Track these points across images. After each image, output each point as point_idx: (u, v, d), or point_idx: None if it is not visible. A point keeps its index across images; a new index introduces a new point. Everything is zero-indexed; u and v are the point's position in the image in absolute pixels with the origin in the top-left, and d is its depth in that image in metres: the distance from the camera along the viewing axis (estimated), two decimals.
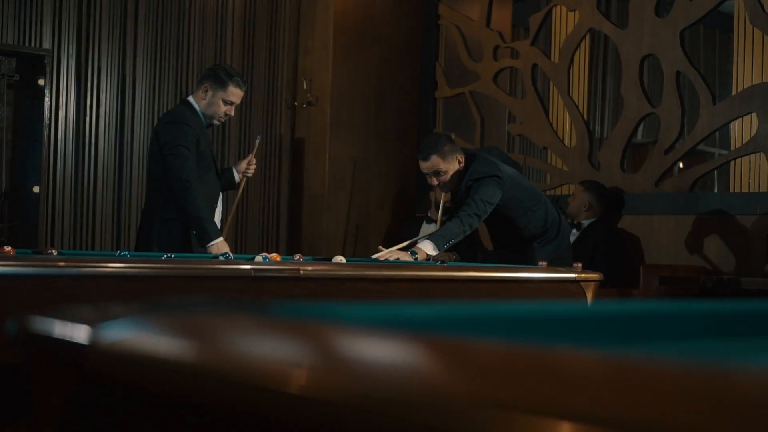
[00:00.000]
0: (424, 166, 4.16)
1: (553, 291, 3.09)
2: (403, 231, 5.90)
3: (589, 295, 3.18)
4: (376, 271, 2.66)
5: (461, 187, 4.15)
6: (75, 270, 2.16)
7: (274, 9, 6.35)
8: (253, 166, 4.60)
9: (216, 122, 4.23)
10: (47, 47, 5.35)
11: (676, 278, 4.87)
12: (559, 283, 3.11)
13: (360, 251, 6.26)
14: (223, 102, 4.13)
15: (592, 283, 3.19)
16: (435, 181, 4.16)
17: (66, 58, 5.45)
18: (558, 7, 5.99)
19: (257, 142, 5.04)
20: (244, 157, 4.79)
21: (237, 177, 4.55)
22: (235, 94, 4.15)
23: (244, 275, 2.42)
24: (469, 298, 2.83)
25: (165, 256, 2.61)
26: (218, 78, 4.15)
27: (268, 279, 2.46)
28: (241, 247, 6.08)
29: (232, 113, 4.23)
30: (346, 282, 2.58)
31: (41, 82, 5.27)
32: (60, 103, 5.42)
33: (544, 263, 3.33)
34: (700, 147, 5.69)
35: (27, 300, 2.06)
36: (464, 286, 2.85)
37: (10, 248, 3.01)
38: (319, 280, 2.54)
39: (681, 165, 5.69)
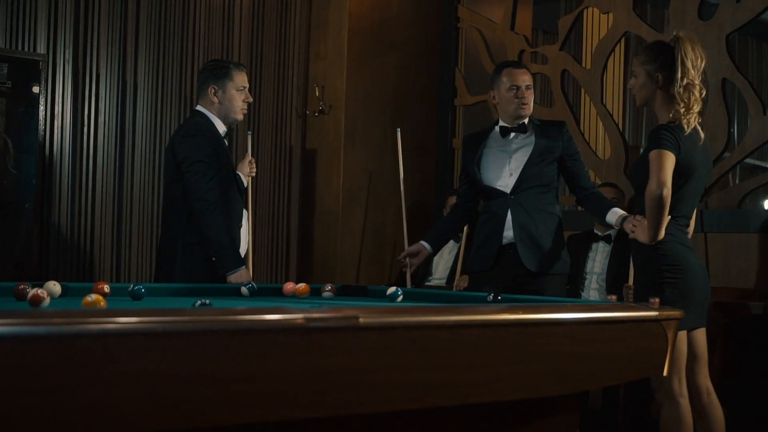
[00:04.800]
0: (524, 77, 3.98)
1: (632, 332, 2.70)
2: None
3: (670, 336, 2.80)
4: (444, 317, 2.26)
5: (557, 131, 3.99)
6: (90, 328, 1.76)
7: (284, 12, 5.95)
8: (254, 164, 4.49)
9: (240, 117, 3.99)
10: (42, 52, 4.93)
11: (726, 304, 4.48)
12: (639, 323, 2.71)
13: (376, 272, 5.87)
14: (237, 91, 3.91)
15: (674, 321, 2.81)
16: (525, 94, 3.95)
17: (62, 63, 5.03)
18: (589, 9, 5.61)
19: (248, 138, 4.87)
20: (241, 159, 4.56)
21: (245, 181, 4.35)
22: (242, 77, 3.96)
23: (295, 327, 2.02)
24: (543, 344, 2.44)
25: (198, 302, 2.21)
26: (218, 73, 3.89)
27: (323, 330, 2.06)
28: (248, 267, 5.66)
29: (250, 99, 4.05)
30: (411, 330, 2.18)
31: (35, 89, 4.84)
32: (56, 111, 5.00)
33: (656, 300, 2.89)
34: (750, 160, 5.32)
35: (27, 372, 1.65)
36: (539, 330, 2.45)
37: (34, 289, 2.46)
38: (381, 329, 2.13)
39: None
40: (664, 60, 3.30)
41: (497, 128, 4.04)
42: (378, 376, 2.09)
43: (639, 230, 3.33)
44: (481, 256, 3.96)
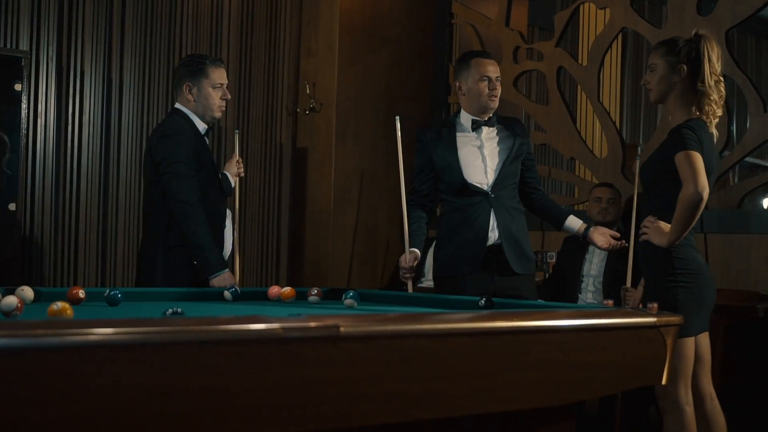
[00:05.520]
0: (494, 68, 3.84)
1: (629, 339, 2.59)
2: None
3: (669, 343, 2.69)
4: (430, 325, 2.15)
5: (522, 129, 3.90)
6: (56, 340, 1.64)
7: (274, 7, 5.83)
8: (242, 164, 4.35)
9: (217, 115, 3.84)
10: (25, 48, 4.81)
11: (727, 307, 4.36)
12: (636, 330, 2.60)
13: (368, 273, 5.75)
14: (213, 88, 3.75)
15: (673, 327, 2.69)
16: (496, 85, 3.79)
17: (45, 60, 4.90)
18: (586, 5, 5.50)
19: (236, 137, 4.65)
20: (229, 159, 4.44)
21: (233, 181, 4.23)
22: (218, 73, 3.79)
23: (271, 337, 1.90)
24: (536, 352, 2.33)
25: (170, 311, 2.09)
26: (193, 69, 3.75)
27: (302, 340, 1.94)
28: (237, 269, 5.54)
29: (228, 96, 3.86)
30: (395, 340, 2.07)
31: (18, 87, 4.72)
32: (39, 110, 4.88)
33: (654, 305, 2.77)
34: (750, 158, 5.22)
35: None
36: (531, 338, 2.34)
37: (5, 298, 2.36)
38: (364, 339, 2.02)
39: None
40: (688, 51, 3.18)
41: (463, 121, 3.84)
42: (361, 388, 1.98)
43: (653, 232, 3.21)
44: (462, 258, 3.73)
